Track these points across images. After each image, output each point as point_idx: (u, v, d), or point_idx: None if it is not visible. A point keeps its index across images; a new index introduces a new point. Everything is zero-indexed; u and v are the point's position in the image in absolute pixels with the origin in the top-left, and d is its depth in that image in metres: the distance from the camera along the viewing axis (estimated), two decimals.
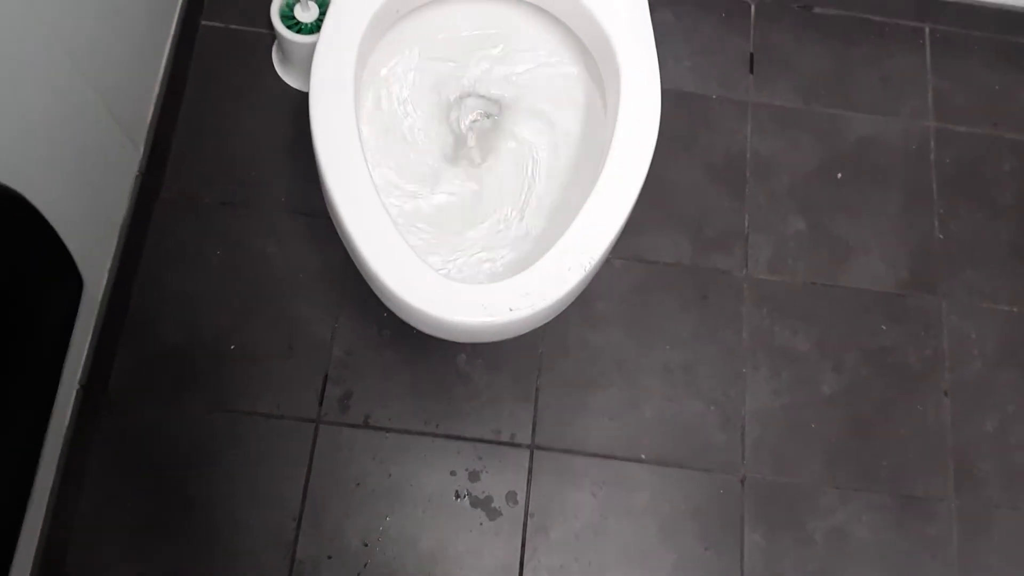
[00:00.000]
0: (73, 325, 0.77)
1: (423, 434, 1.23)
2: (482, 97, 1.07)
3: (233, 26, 1.38)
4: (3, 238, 0.65)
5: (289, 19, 1.27)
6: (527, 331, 0.87)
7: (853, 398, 1.30)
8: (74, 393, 1.13)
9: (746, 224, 1.37)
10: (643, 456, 1.26)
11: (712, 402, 1.29)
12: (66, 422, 1.11)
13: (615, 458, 1.25)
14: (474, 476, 1.22)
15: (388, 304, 0.87)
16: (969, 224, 1.40)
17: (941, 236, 1.39)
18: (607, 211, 0.85)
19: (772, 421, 1.29)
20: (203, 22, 1.37)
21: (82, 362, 1.14)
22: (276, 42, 1.34)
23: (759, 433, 1.28)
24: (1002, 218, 1.41)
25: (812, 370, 1.31)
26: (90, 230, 1.11)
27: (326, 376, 1.24)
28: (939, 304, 1.36)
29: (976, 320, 1.35)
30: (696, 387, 1.29)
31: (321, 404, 1.23)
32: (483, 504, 1.21)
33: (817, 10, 1.48)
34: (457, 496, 1.21)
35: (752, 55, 1.46)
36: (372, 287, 0.87)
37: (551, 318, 0.88)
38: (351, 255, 0.87)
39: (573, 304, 1.29)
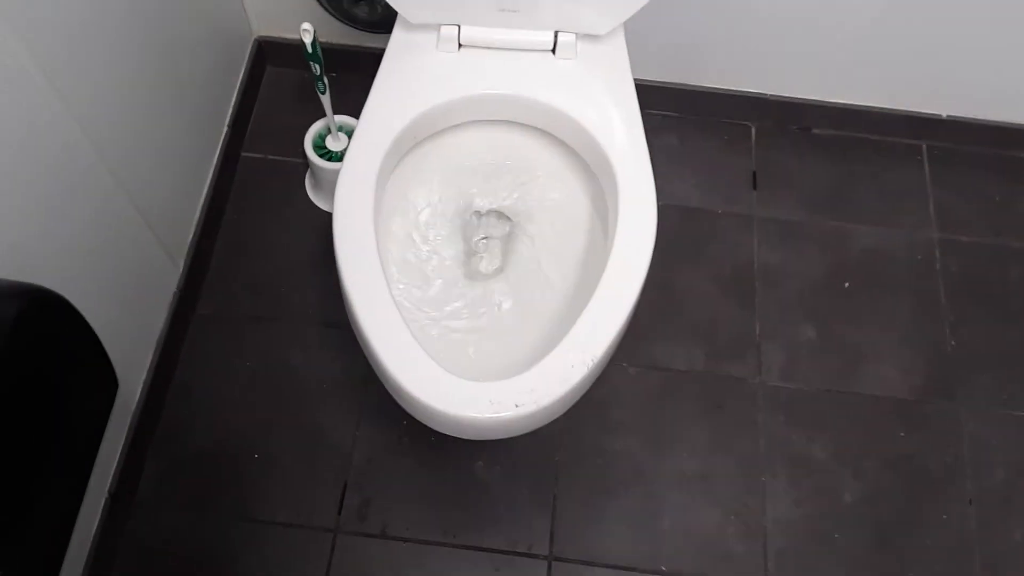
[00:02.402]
0: (106, 425, 0.82)
1: (440, 544, 1.24)
2: (496, 215, 1.15)
3: (271, 156, 1.50)
4: (42, 337, 0.71)
5: (321, 148, 1.38)
6: (534, 428, 0.90)
7: (875, 507, 1.29)
8: (103, 501, 1.16)
9: (757, 332, 1.40)
10: (663, 568, 1.24)
11: (732, 511, 1.28)
12: (94, 529, 1.15)
13: (635, 570, 1.24)
14: None
15: (399, 401, 0.91)
16: (980, 331, 1.42)
17: (953, 343, 1.41)
18: (608, 313, 0.90)
19: (794, 531, 1.27)
20: (243, 153, 1.50)
21: (112, 470, 1.18)
22: (309, 169, 1.46)
23: (781, 544, 1.26)
24: (1013, 324, 1.42)
25: (832, 478, 1.31)
26: (128, 342, 1.18)
27: (345, 484, 1.26)
28: (957, 410, 1.36)
29: (996, 427, 1.35)
30: (715, 496, 1.29)
31: (340, 513, 1.25)
32: None
33: (815, 131, 1.57)
34: None
35: (755, 173, 1.53)
36: (385, 384, 0.91)
37: (557, 416, 0.91)
38: (366, 355, 0.92)
39: (589, 411, 1.32)
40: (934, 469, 1.32)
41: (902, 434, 1.34)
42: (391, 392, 0.92)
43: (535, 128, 1.10)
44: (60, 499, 0.75)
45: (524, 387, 0.86)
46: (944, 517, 1.28)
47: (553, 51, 1.07)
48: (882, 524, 1.28)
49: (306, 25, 1.14)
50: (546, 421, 0.90)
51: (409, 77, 1.06)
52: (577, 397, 0.91)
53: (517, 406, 0.85)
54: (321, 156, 1.37)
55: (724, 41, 1.42)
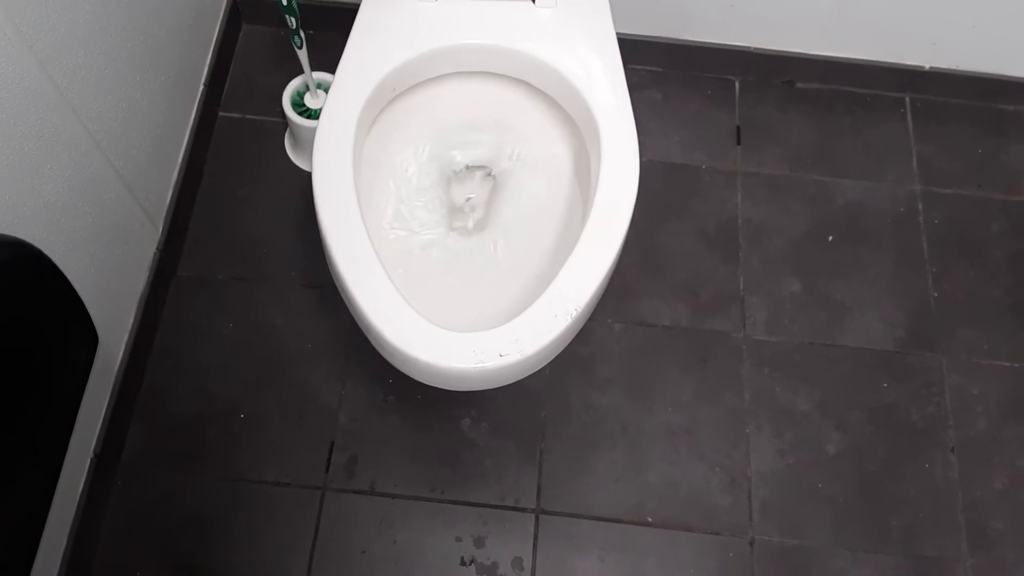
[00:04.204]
0: (87, 378, 0.82)
1: (428, 500, 1.24)
2: (478, 169, 1.14)
3: (249, 116, 1.48)
4: (20, 288, 0.70)
5: (299, 106, 1.36)
6: (518, 378, 0.90)
7: (859, 457, 1.30)
8: (88, 461, 1.16)
9: (741, 287, 1.40)
10: (650, 519, 1.25)
11: (716, 464, 1.29)
12: (80, 490, 1.14)
13: (621, 522, 1.25)
14: (480, 542, 1.22)
15: (384, 354, 0.90)
16: (963, 282, 1.43)
17: (936, 295, 1.41)
18: (591, 262, 0.90)
19: (778, 482, 1.28)
20: (221, 113, 1.47)
21: (97, 431, 1.18)
22: (288, 128, 1.44)
23: (766, 494, 1.28)
24: (995, 276, 1.43)
25: (816, 430, 1.32)
26: (110, 304, 1.17)
27: (332, 443, 1.26)
28: (939, 361, 1.37)
29: (977, 377, 1.36)
30: (700, 449, 1.30)
31: (327, 471, 1.25)
32: (489, 570, 1.21)
33: (799, 85, 1.56)
34: (463, 562, 1.21)
35: (739, 128, 1.53)
36: (370, 338, 0.91)
37: (541, 365, 0.91)
38: (351, 309, 0.92)
39: (574, 367, 1.32)
40: (917, 419, 1.33)
41: (885, 385, 1.35)
42: (376, 346, 0.91)
43: (516, 79, 1.09)
44: (43, 450, 0.75)
45: (508, 337, 0.85)
46: (927, 466, 1.30)
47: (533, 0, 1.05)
48: (865, 474, 1.29)
49: None
50: (531, 371, 0.90)
51: (386, 28, 1.04)
52: (561, 347, 0.91)
53: (501, 356, 0.85)
54: (300, 114, 1.35)
55: None
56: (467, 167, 1.13)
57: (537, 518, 1.24)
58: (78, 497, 1.14)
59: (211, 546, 1.20)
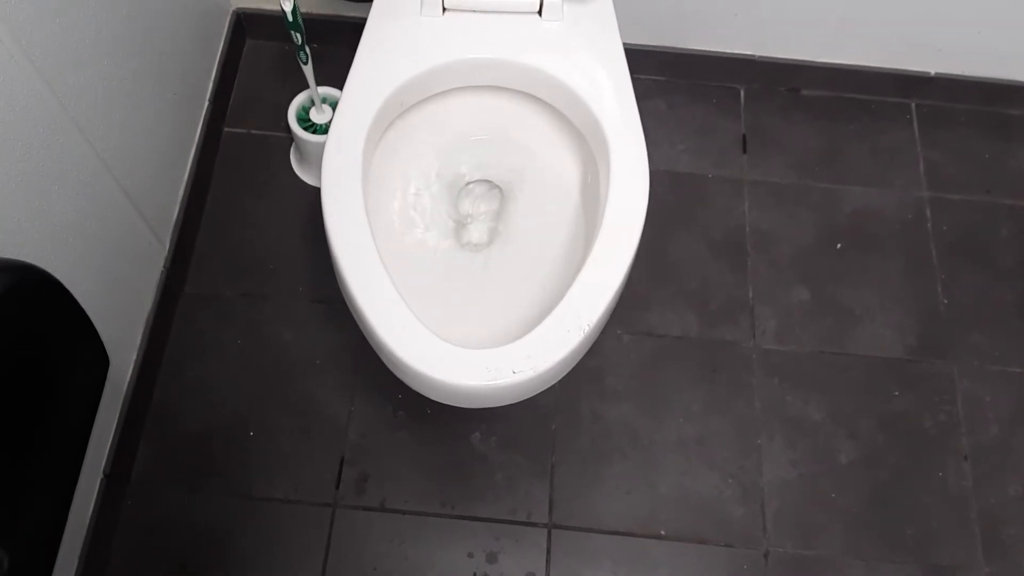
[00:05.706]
0: (99, 401, 0.81)
1: (439, 515, 1.24)
2: (486, 183, 1.14)
3: (254, 131, 1.48)
4: (31, 313, 0.70)
5: (305, 121, 1.36)
6: (531, 394, 0.89)
7: (871, 466, 1.30)
8: (98, 482, 1.16)
9: (750, 296, 1.40)
10: (662, 532, 1.24)
11: (729, 475, 1.28)
12: (90, 511, 1.14)
13: (634, 535, 1.24)
14: (492, 557, 1.22)
15: (396, 372, 0.90)
16: (973, 289, 1.42)
17: (946, 301, 1.41)
18: (602, 277, 0.89)
19: (791, 492, 1.28)
20: (226, 129, 1.47)
21: (107, 451, 1.17)
22: (294, 143, 1.43)
23: (779, 505, 1.27)
24: (1005, 281, 1.43)
25: (828, 439, 1.31)
26: (118, 323, 1.16)
27: (342, 459, 1.26)
28: (950, 368, 1.36)
29: (989, 383, 1.35)
30: (712, 459, 1.29)
31: (338, 487, 1.24)
32: None
33: (804, 92, 1.56)
34: None
35: (744, 136, 1.52)
36: (381, 356, 0.90)
37: (554, 381, 0.90)
38: (361, 327, 0.91)
39: (584, 379, 1.32)
40: (929, 427, 1.32)
41: (896, 393, 1.34)
42: (388, 364, 0.91)
43: (523, 93, 1.08)
44: (56, 474, 0.74)
45: (520, 354, 0.85)
46: (940, 474, 1.29)
47: (539, 13, 1.05)
48: (879, 483, 1.28)
49: None
50: (543, 387, 0.89)
51: (393, 43, 1.03)
52: (574, 362, 0.90)
53: (514, 372, 0.84)
54: (305, 129, 1.35)
55: (711, 2, 1.40)
56: (475, 181, 1.13)
57: (549, 533, 1.23)
58: (88, 518, 1.14)
59: (222, 563, 1.19)
